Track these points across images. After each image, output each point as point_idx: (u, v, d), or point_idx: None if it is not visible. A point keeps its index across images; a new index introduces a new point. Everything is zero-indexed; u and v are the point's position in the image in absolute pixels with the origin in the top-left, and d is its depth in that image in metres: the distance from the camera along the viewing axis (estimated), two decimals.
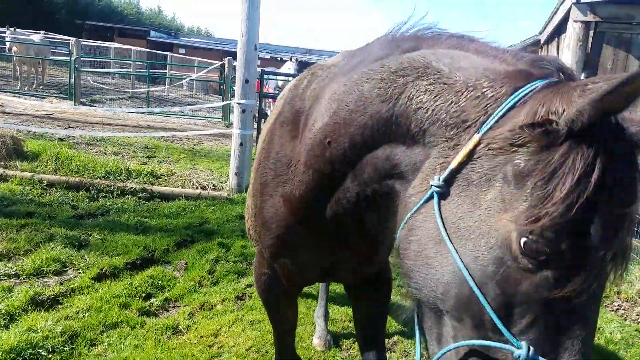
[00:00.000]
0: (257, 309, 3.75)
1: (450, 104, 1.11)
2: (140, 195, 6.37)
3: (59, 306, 3.57)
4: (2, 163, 6.73)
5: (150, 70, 18.09)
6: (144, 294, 3.85)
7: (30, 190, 6.03)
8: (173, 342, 3.26)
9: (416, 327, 1.18)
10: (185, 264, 4.51)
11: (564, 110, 0.89)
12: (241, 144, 6.71)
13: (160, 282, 4.09)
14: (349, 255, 1.79)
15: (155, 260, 4.55)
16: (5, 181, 6.20)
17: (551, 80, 1.02)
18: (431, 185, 1.07)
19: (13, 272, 3.97)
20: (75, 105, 12.47)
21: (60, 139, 8.74)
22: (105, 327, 3.35)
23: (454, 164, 1.04)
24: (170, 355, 3.08)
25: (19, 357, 2.88)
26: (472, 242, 0.98)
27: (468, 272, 0.96)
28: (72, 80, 14.12)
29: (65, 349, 3.05)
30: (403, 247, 1.16)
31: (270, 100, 12.53)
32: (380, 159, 1.33)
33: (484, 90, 1.07)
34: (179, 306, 3.81)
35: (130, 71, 20.96)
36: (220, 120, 13.51)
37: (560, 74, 1.05)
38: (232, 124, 7.10)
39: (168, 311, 3.73)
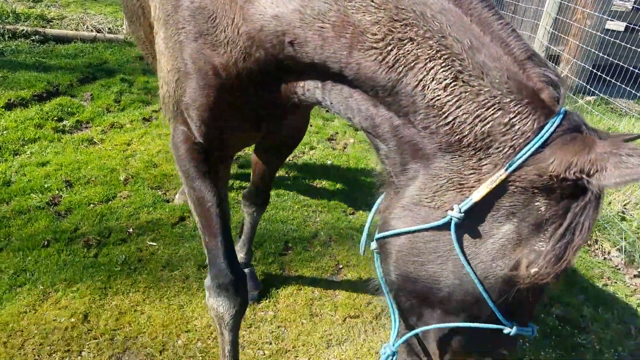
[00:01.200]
0: (164, 126, 4.37)
1: (476, 119, 1.03)
2: (34, 38, 6.26)
3: None
4: None
5: None
6: (55, 118, 4.27)
7: None
8: (90, 149, 3.84)
9: (390, 303, 1.26)
10: (91, 95, 4.88)
11: (596, 172, 0.95)
12: None
13: (69, 109, 4.48)
14: (283, 128, 1.86)
15: (61, 93, 4.85)
16: None
17: (567, 119, 1.03)
18: (449, 214, 1.06)
19: None
20: None
21: None
22: (25, 141, 3.82)
23: (476, 196, 1.04)
24: (89, 157, 3.68)
25: None
26: (484, 264, 1.06)
27: (483, 287, 1.07)
28: None
29: None
30: (398, 254, 1.16)
31: None
32: (361, 108, 1.20)
33: (511, 117, 1.02)
34: (90, 126, 4.30)
35: None
36: None
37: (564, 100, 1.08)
38: None
39: (81, 130, 4.23)
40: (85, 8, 8.05)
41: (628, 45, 4.70)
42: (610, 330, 2.77)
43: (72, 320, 2.21)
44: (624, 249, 3.32)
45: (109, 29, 7.06)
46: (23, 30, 6.31)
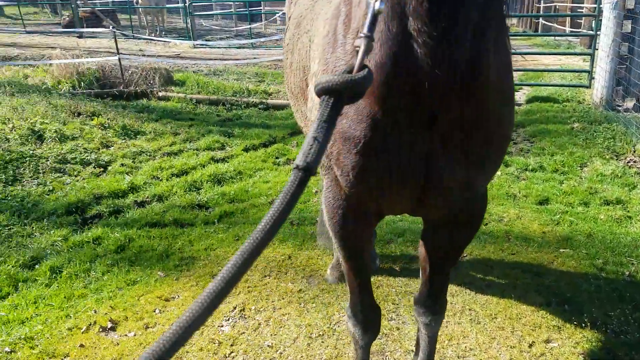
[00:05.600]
0: None
1: None
2: (259, 106, 8.69)
3: (226, 162, 5.98)
4: (162, 88, 9.38)
5: (250, 8, 20.27)
6: (273, 157, 6.14)
7: (185, 106, 8.59)
8: None
9: None
10: (297, 142, 6.73)
11: None
12: None
13: (282, 151, 6.35)
14: (453, 157, 1.39)
15: (277, 142, 6.82)
16: (168, 100, 8.84)
17: None
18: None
19: (194, 147, 6.47)
20: (194, 45, 15.09)
21: (193, 71, 11.31)
22: (254, 170, 5.69)
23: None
24: None
25: (213, 177, 5.31)
26: None
27: None
28: (188, 25, 16.76)
29: (235, 177, 5.43)
30: None
31: None
32: None
33: None
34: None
35: (232, 11, 23.38)
36: None
37: None
38: None
39: (288, 164, 5.99)
40: None
41: None
42: None
43: (282, 258, 3.65)
44: None
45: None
46: (253, 101, 8.80)
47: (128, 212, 4.57)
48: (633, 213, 4.55)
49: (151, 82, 9.32)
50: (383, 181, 1.43)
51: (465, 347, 2.71)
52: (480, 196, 1.70)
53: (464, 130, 1.35)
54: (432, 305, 2.00)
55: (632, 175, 5.34)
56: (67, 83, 8.99)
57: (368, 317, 1.97)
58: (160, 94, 8.99)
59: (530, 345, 2.73)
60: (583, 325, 2.94)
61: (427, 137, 1.35)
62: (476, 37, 1.14)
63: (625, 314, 3.08)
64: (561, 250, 4.02)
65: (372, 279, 3.43)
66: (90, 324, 3.00)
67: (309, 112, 1.63)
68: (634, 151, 5.89)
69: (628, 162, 5.72)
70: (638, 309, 3.12)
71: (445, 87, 1.22)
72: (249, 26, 18.24)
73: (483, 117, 1.35)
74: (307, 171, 0.87)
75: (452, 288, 3.32)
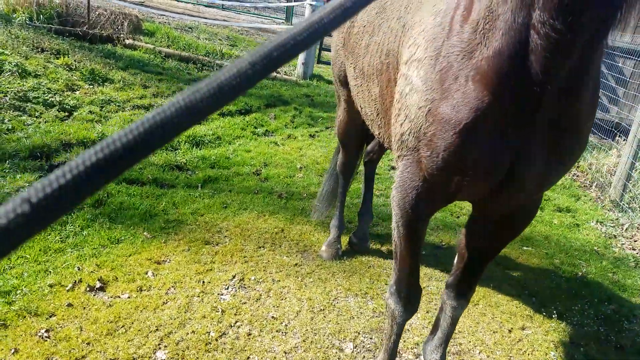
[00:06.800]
0: (324, 140, 5.94)
1: None
2: None
3: (202, 125, 5.83)
4: (130, 36, 8.87)
5: None
6: (252, 126, 6.07)
7: (154, 58, 8.20)
8: (276, 148, 5.51)
9: None
10: (274, 115, 6.69)
11: None
12: None
13: (261, 122, 6.29)
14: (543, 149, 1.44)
15: (254, 112, 6.74)
16: (135, 49, 8.38)
17: None
18: None
19: None
20: None
21: (160, 23, 10.77)
22: (233, 137, 5.61)
23: None
24: (276, 152, 5.33)
25: (191, 139, 5.18)
26: None
27: None
28: None
29: (214, 142, 5.34)
30: None
31: None
32: None
33: None
34: (274, 135, 6.03)
35: None
36: (283, 21, 15.13)
37: None
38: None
39: (268, 136, 5.97)
40: None
41: None
42: None
43: (275, 230, 3.70)
44: None
45: (285, 72, 9.12)
46: (226, 65, 8.56)
47: None
48: (580, 221, 5.01)
49: (119, 27, 8.77)
50: (473, 166, 1.47)
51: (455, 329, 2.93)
52: (540, 198, 1.83)
53: (557, 132, 1.43)
54: (465, 291, 2.10)
55: (576, 188, 5.87)
56: (23, 13, 8.21)
57: (411, 296, 2.05)
58: (127, 41, 8.50)
59: (510, 331, 3.01)
60: (551, 316, 3.26)
61: (525, 131, 1.41)
62: (594, 38, 1.20)
63: (583, 309, 3.44)
64: (524, 248, 4.36)
65: (362, 260, 3.58)
66: (75, 282, 2.85)
67: (398, 94, 1.66)
68: (578, 167, 6.47)
69: (572, 175, 6.28)
70: (593, 305, 3.50)
71: (556, 85, 1.30)
72: None
73: (575, 124, 1.44)
74: None
75: (436, 274, 3.54)
